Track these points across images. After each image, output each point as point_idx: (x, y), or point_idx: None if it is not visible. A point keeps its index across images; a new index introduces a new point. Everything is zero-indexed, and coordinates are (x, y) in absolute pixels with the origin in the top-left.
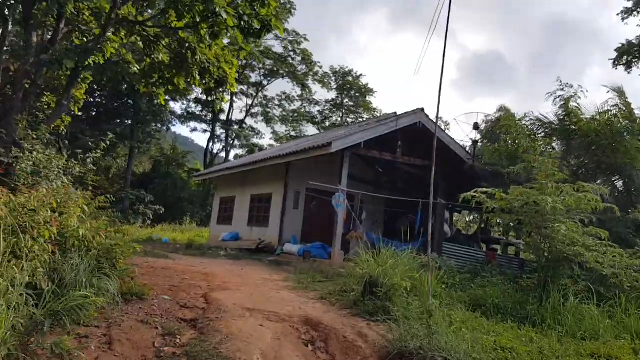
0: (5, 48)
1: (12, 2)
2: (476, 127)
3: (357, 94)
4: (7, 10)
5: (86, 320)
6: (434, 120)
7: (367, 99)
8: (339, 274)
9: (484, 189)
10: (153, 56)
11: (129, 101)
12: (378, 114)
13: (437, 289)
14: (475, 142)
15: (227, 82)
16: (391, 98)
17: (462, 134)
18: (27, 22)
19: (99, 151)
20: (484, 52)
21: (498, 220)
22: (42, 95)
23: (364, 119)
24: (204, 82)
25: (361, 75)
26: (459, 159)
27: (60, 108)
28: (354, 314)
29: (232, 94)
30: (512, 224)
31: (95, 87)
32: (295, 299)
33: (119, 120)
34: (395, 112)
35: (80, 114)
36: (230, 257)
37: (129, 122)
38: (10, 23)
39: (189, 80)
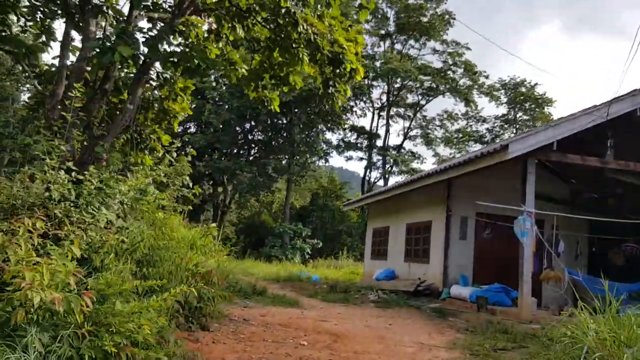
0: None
1: None
2: None
3: (533, 106)
4: None
5: None
6: None
7: (546, 110)
8: (534, 334)
9: None
10: (261, 51)
11: (285, 134)
12: None
13: None
14: None
15: (346, 61)
16: (575, 109)
17: None
18: (84, 7)
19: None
20: None
21: None
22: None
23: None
24: (316, 62)
25: (536, 84)
26: None
27: (123, 115)
28: None
29: (388, 117)
30: None
31: (253, 123)
32: None
33: (279, 156)
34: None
35: (242, 152)
36: (380, 304)
37: (287, 156)
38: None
39: (296, 65)
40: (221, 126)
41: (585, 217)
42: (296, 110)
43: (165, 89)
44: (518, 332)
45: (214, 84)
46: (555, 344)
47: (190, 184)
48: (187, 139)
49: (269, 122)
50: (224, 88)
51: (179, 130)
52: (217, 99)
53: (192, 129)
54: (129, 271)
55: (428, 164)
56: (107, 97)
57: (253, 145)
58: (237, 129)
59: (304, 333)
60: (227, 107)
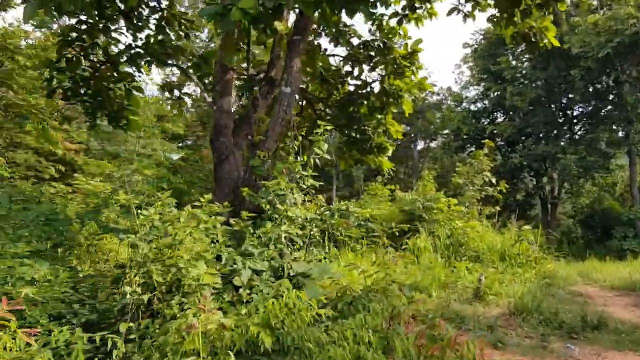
0: None
1: None
2: None
3: None
4: None
5: None
6: None
7: None
8: None
9: None
10: None
11: (614, 99)
12: None
13: None
14: None
15: None
16: None
17: None
18: None
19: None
20: None
21: None
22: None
23: None
24: None
25: None
26: None
27: (279, 104)
28: None
29: None
30: None
31: (570, 96)
32: None
33: (612, 127)
34: None
35: (562, 132)
36: None
37: (622, 125)
38: None
39: None
40: (530, 107)
41: None
42: (621, 64)
43: (379, 60)
44: None
45: (513, 62)
46: None
47: (493, 180)
48: (493, 131)
49: (588, 88)
50: (525, 64)
51: (485, 122)
52: (518, 77)
53: (499, 119)
54: None
55: None
56: (273, 90)
57: (574, 121)
58: (551, 106)
59: None
60: (532, 85)
